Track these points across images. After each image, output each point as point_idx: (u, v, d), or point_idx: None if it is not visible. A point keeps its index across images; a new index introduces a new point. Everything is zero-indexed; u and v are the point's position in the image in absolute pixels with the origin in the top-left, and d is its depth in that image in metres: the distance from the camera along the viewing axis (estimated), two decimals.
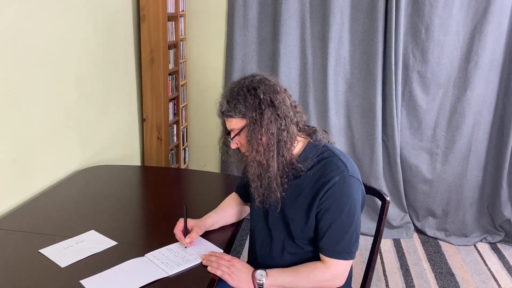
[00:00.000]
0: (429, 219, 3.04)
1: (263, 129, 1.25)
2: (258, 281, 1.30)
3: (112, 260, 1.35)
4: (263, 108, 1.25)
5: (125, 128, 2.64)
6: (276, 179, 1.28)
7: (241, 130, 1.29)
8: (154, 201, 1.85)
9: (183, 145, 3.18)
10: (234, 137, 1.31)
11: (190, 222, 1.47)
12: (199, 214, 1.55)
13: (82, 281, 1.25)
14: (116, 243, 1.46)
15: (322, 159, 1.31)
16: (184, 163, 3.25)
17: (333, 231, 1.26)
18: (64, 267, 1.32)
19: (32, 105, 1.81)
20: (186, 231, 1.44)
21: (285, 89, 1.31)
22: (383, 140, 2.93)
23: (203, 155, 3.29)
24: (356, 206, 1.28)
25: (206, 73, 3.15)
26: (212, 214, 1.55)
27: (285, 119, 1.26)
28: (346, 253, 1.27)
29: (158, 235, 1.52)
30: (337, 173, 1.26)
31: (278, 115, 1.26)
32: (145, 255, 1.38)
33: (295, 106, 1.33)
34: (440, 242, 2.94)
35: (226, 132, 1.37)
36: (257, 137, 1.25)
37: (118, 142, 2.55)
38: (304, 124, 1.36)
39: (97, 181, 2.02)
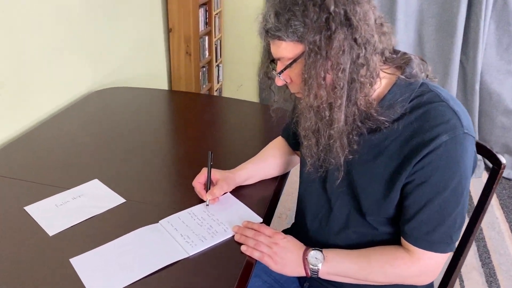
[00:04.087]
0: (505, 156, 2.57)
1: (330, 63, 0.80)
2: (311, 266, 0.94)
3: (115, 227, 1.01)
4: (333, 28, 0.79)
5: (146, 41, 2.20)
6: (341, 138, 0.85)
7: (295, 60, 0.85)
8: (177, 141, 1.47)
9: (216, 61, 2.73)
10: (283, 70, 0.87)
11: (216, 173, 1.10)
12: (231, 163, 1.17)
13: (72, 260, 0.92)
14: (124, 200, 1.11)
15: (419, 106, 0.86)
16: (218, 82, 2.83)
17: (429, 212, 0.85)
18: (52, 236, 0.99)
19: (24, 13, 1.39)
20: (209, 185, 1.09)
21: None
22: (461, 61, 2.38)
23: (240, 73, 2.83)
24: (467, 178, 0.85)
25: None
26: (247, 164, 1.16)
27: (365, 48, 0.80)
28: (444, 243, 0.87)
29: (180, 190, 1.16)
30: (445, 128, 0.82)
31: (355, 40, 0.80)
32: (160, 221, 1.03)
33: (381, 25, 0.85)
34: None
35: (271, 60, 0.93)
36: (319, 75, 0.81)
37: (138, 58, 2.13)
38: (391, 51, 0.89)
39: (108, 109, 1.65)
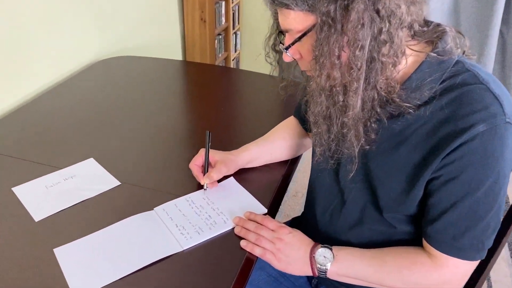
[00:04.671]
0: None
1: (346, 38, 0.67)
2: (319, 265, 0.84)
3: (106, 213, 0.93)
4: None
5: (158, 6, 2.07)
6: (356, 126, 0.73)
7: (305, 34, 0.72)
8: (185, 118, 1.37)
9: (233, 29, 2.58)
10: (291, 45, 0.74)
11: (215, 155, 1.00)
12: (243, 143, 1.06)
13: (56, 250, 0.84)
14: (119, 183, 1.02)
15: (452, 88, 0.72)
16: (235, 51, 2.69)
17: (457, 214, 0.73)
18: (38, 221, 0.91)
19: None
20: (207, 167, 0.99)
21: None
22: (501, 31, 2.16)
23: (259, 42, 2.69)
24: (505, 176, 0.72)
25: None
26: (251, 146, 1.05)
27: (389, 21, 0.66)
28: (474, 250, 0.75)
29: (181, 173, 1.06)
30: (483, 116, 0.69)
31: (377, 12, 0.66)
32: (155, 208, 0.94)
33: None
34: None
35: (279, 31, 0.80)
36: (333, 52, 0.68)
37: (149, 24, 2.01)
38: (422, 24, 0.75)
39: (113, 80, 1.55)
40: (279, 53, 0.83)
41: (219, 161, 0.99)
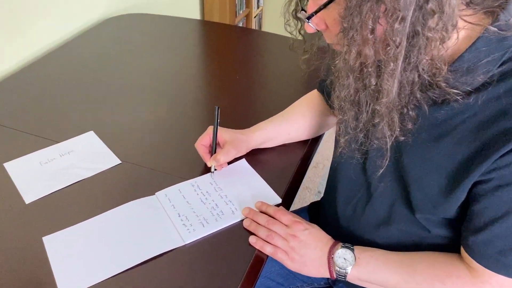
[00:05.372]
0: None
1: (383, 7, 0.53)
2: (338, 268, 0.74)
3: (103, 197, 0.84)
4: None
5: None
6: (390, 115, 0.60)
7: (332, 0, 0.58)
8: (198, 88, 1.25)
9: None
10: (315, 13, 0.60)
11: (224, 134, 0.89)
12: (261, 118, 0.95)
13: (45, 239, 0.76)
14: (120, 161, 0.93)
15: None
16: (258, 7, 2.51)
17: (509, 226, 0.61)
18: (29, 203, 0.83)
19: None
20: (214, 148, 0.88)
21: None
22: None
23: None
24: None
25: None
26: (267, 124, 0.94)
27: None
28: None
29: (189, 153, 0.95)
30: None
31: None
32: (156, 193, 0.85)
33: None
34: None
35: None
36: (366, 24, 0.54)
37: None
38: None
39: (122, 41, 1.43)
40: (301, 21, 0.69)
41: (228, 141, 0.88)
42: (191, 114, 1.09)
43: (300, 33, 0.73)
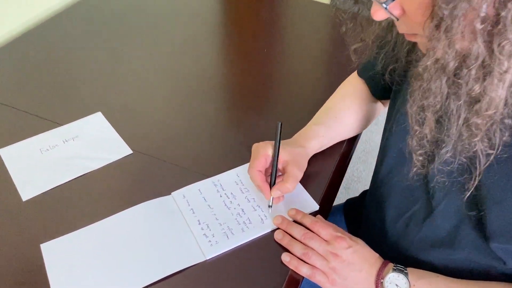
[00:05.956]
0: None
1: None
2: None
3: (111, 196, 0.72)
4: None
5: None
6: (492, 128, 0.46)
7: None
8: (221, 64, 1.10)
9: None
10: None
11: (282, 152, 0.71)
12: (281, 101, 0.81)
13: (43, 246, 0.65)
14: (131, 151, 0.80)
15: None
16: None
17: None
18: (26, 201, 0.72)
19: None
20: (275, 176, 0.70)
21: None
22: None
23: None
24: None
25: None
26: (318, 128, 0.78)
27: None
28: None
29: (212, 144, 0.83)
30: None
31: None
32: (173, 193, 0.72)
33: None
34: None
35: None
36: (474, 10, 0.39)
37: None
38: None
39: (133, 7, 1.27)
40: (359, 1, 0.54)
41: (289, 161, 0.71)
42: (214, 97, 0.95)
43: (354, 17, 0.57)
